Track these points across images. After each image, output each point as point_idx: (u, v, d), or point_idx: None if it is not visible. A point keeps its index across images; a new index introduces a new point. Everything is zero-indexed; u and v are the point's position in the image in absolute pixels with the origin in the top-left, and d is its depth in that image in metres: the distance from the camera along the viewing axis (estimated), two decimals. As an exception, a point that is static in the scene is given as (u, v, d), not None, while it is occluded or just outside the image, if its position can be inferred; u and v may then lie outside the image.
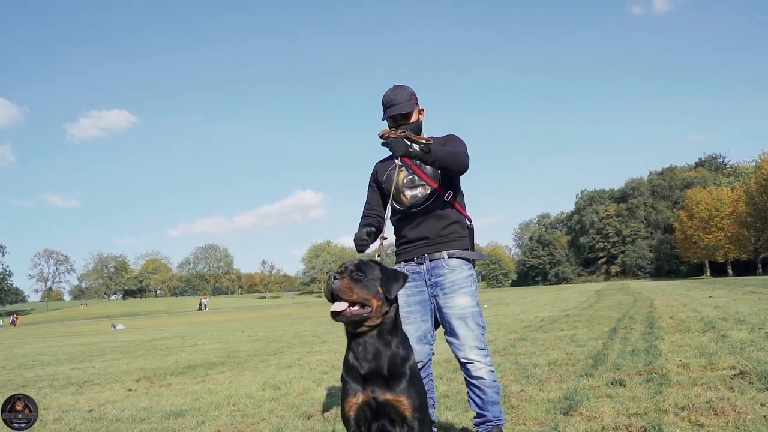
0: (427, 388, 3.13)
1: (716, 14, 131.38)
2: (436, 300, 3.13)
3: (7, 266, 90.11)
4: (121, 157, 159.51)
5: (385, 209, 3.25)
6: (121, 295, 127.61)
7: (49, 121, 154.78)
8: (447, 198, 3.19)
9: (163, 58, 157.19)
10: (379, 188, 3.33)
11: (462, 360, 3.08)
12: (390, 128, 3.20)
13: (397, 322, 2.33)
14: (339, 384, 2.31)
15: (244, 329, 18.81)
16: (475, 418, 3.11)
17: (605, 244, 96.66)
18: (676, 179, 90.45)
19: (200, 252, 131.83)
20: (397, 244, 3.33)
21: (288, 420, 4.32)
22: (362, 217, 3.34)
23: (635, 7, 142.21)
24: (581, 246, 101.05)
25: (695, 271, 76.39)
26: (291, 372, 7.12)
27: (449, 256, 3.15)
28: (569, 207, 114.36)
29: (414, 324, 3.13)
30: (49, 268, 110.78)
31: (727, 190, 69.41)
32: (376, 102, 3.24)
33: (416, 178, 3.21)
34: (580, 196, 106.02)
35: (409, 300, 3.15)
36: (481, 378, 3.03)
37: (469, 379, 3.08)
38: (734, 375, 4.33)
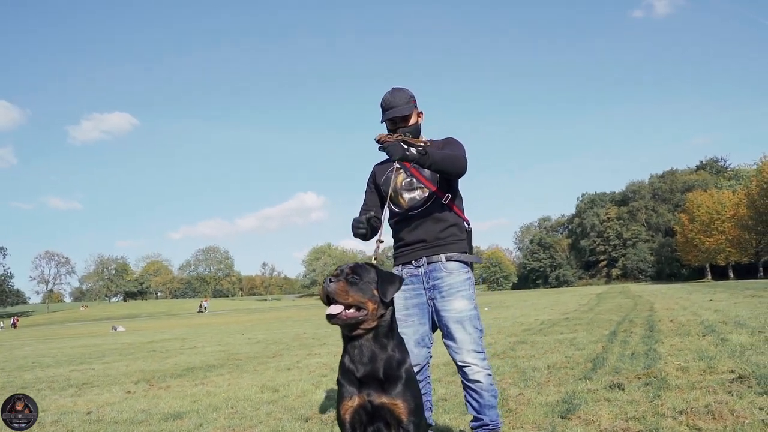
0: (424, 391, 3.13)
1: (717, 18, 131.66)
2: (433, 303, 3.13)
3: (8, 268, 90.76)
4: (123, 159, 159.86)
5: (382, 211, 3.25)
6: (121, 297, 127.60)
7: (50, 124, 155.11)
8: (445, 201, 3.18)
9: (165, 61, 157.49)
10: (377, 190, 3.33)
11: (459, 363, 3.07)
12: (388, 130, 3.21)
13: (393, 325, 2.33)
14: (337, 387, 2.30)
15: (244, 332, 18.81)
16: (472, 421, 3.10)
17: (606, 247, 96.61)
18: (677, 182, 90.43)
19: (201, 254, 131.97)
20: (395, 247, 3.33)
21: (286, 423, 4.32)
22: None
23: (636, 10, 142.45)
24: (582, 249, 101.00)
25: (696, 274, 76.29)
26: (290, 374, 7.11)
27: (447, 259, 3.14)
28: (570, 210, 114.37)
29: (412, 327, 3.13)
30: (50, 270, 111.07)
31: (728, 193, 69.36)
32: (377, 105, 3.25)
33: (414, 180, 3.21)
34: (581, 199, 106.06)
35: (407, 303, 3.15)
36: (478, 381, 3.02)
37: (466, 383, 3.07)
38: (733, 379, 4.31)
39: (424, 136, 3.31)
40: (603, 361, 5.81)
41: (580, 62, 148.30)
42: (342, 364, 2.28)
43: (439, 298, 3.10)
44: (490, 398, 3.04)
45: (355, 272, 2.24)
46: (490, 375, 3.07)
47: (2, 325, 58.97)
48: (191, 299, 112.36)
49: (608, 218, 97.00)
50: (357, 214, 3.30)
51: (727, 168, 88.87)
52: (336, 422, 2.36)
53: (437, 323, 3.16)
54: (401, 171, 3.25)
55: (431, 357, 3.24)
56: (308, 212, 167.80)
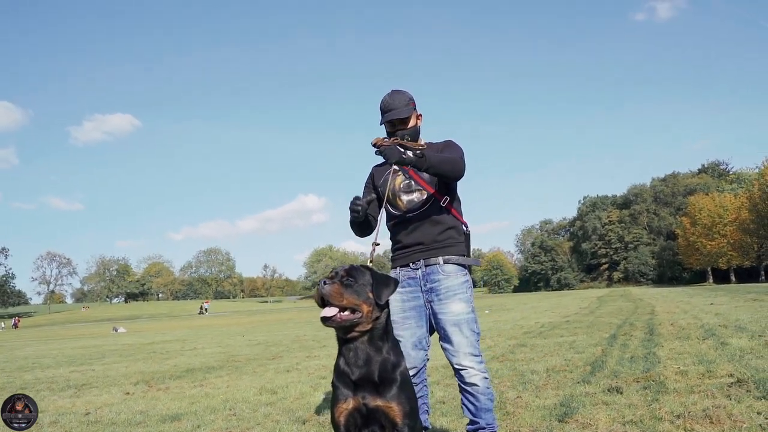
0: (421, 394, 3.13)
1: (719, 21, 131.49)
2: (431, 306, 3.13)
3: (10, 269, 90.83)
4: (125, 160, 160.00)
5: (379, 212, 3.25)
6: (123, 299, 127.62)
7: (52, 124, 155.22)
8: (443, 203, 3.19)
9: (167, 62, 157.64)
10: (376, 191, 3.33)
11: (456, 366, 3.07)
12: (387, 132, 3.21)
13: (388, 327, 2.33)
14: (336, 389, 2.31)
15: (245, 333, 18.80)
16: (468, 425, 3.10)
17: (607, 250, 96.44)
18: (679, 185, 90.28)
19: (202, 256, 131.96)
20: (393, 249, 3.33)
21: (283, 425, 4.32)
22: None
23: (638, 13, 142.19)
24: (583, 252, 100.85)
25: (698, 278, 76.13)
26: (289, 376, 7.11)
27: (445, 262, 3.14)
28: (572, 213, 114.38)
29: (409, 330, 3.13)
30: (51, 271, 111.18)
31: (730, 196, 69.20)
32: (377, 106, 3.25)
33: (413, 183, 3.21)
34: (582, 202, 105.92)
35: (404, 306, 3.15)
36: (474, 385, 3.02)
37: (462, 386, 3.07)
38: (732, 383, 4.31)
39: (423, 138, 3.32)
40: (602, 365, 5.80)
41: (582, 64, 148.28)
42: (337, 366, 2.28)
43: (436, 301, 3.10)
44: (487, 401, 3.04)
45: (350, 274, 2.24)
46: (486, 378, 3.07)
47: (3, 325, 59.03)
48: (192, 301, 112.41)
49: (610, 221, 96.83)
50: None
51: (729, 171, 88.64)
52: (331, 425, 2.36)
53: (434, 326, 3.16)
54: (399, 173, 3.25)
55: (428, 359, 3.24)
56: (309, 214, 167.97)
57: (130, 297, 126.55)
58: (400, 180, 3.24)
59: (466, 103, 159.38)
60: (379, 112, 3.24)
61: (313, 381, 6.52)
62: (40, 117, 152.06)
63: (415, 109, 3.25)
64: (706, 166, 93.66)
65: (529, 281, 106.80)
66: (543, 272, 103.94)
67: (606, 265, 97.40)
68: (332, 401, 2.26)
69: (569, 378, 5.32)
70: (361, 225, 3.25)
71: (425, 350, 3.18)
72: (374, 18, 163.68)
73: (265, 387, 6.27)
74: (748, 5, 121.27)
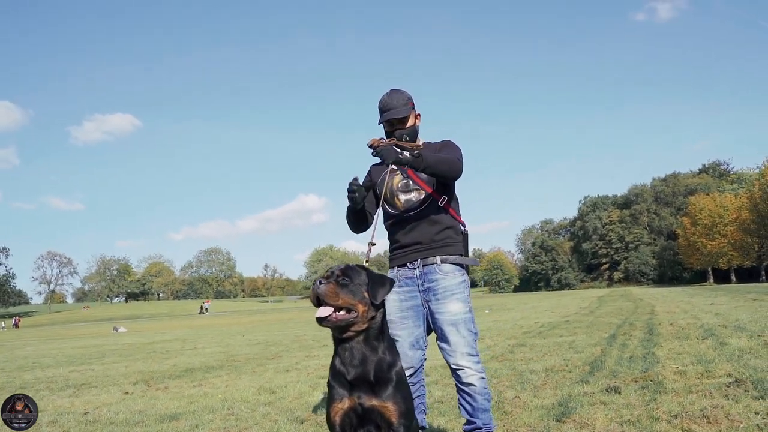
0: (418, 393, 3.13)
1: (720, 21, 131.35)
2: (428, 305, 3.13)
3: (11, 268, 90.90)
4: (125, 160, 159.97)
5: (375, 210, 3.25)
6: (123, 298, 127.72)
7: (53, 124, 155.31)
8: (441, 203, 3.18)
9: (168, 62, 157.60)
10: (373, 191, 3.33)
11: (453, 366, 3.07)
12: (386, 132, 3.21)
13: (383, 327, 2.33)
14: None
15: (245, 333, 18.81)
16: (465, 425, 3.09)
17: (608, 250, 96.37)
18: (680, 186, 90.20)
19: (203, 255, 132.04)
20: (391, 249, 3.33)
21: (281, 424, 4.32)
22: None
23: (638, 13, 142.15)
24: (584, 252, 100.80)
25: (698, 278, 76.09)
26: (288, 376, 7.11)
27: (442, 262, 3.14)
28: (572, 213, 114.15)
29: (407, 329, 3.12)
30: (52, 271, 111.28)
31: (730, 197, 69.15)
32: (377, 106, 3.25)
33: (411, 182, 3.21)
34: (583, 202, 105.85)
35: (401, 305, 3.15)
36: (471, 385, 3.01)
37: (459, 386, 3.07)
38: (730, 383, 4.30)
39: (422, 138, 3.32)
40: (601, 365, 5.80)
41: (582, 64, 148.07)
42: (332, 366, 2.28)
43: (434, 301, 3.10)
44: (484, 401, 3.03)
45: (345, 274, 2.24)
46: (483, 378, 3.06)
47: (4, 325, 59.06)
48: (193, 300, 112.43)
49: (610, 221, 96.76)
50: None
51: (729, 171, 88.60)
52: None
53: (432, 326, 3.15)
54: (397, 172, 3.25)
55: (426, 359, 3.24)
56: (309, 214, 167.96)
57: (131, 297, 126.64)
58: (398, 179, 3.24)
59: (466, 103, 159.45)
60: (378, 112, 3.24)
61: (312, 381, 6.53)
62: (41, 117, 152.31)
63: (413, 108, 3.25)
64: (706, 166, 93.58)
65: (530, 281, 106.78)
66: (543, 272, 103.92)
67: (606, 265, 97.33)
68: (328, 401, 2.26)
69: (568, 378, 5.32)
70: (357, 215, 3.21)
71: (423, 350, 3.17)
72: (374, 18, 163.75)
73: (264, 387, 6.28)
74: (749, 6, 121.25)
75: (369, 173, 3.41)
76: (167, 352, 12.49)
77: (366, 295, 2.23)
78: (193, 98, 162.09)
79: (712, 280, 71.32)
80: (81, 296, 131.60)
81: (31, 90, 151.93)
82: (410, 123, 3.22)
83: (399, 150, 2.90)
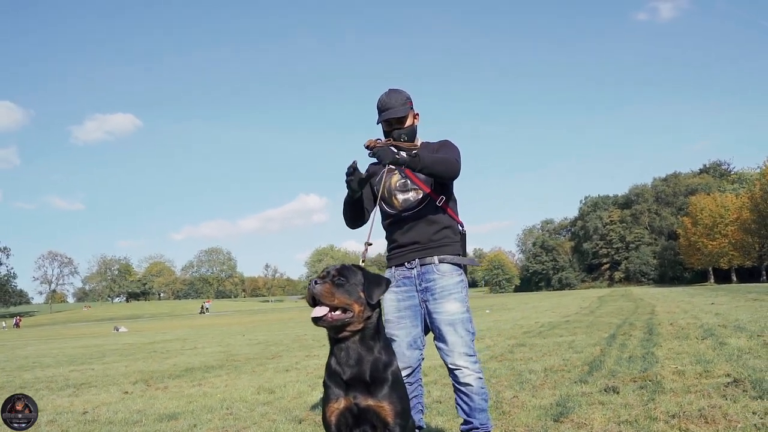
0: (415, 393, 3.13)
1: (721, 21, 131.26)
2: (426, 305, 3.12)
3: (12, 268, 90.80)
4: (126, 160, 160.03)
5: (373, 208, 3.25)
6: (124, 298, 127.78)
7: (53, 124, 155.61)
8: (439, 203, 3.18)
9: (168, 62, 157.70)
10: (371, 190, 3.33)
11: (450, 366, 3.07)
12: (384, 132, 3.21)
13: (379, 327, 2.33)
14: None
15: (246, 333, 18.83)
16: (462, 424, 3.09)
17: (609, 250, 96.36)
18: (681, 185, 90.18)
19: (204, 255, 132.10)
20: (388, 249, 3.32)
21: (279, 424, 4.32)
22: None
23: (640, 13, 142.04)
24: (585, 252, 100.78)
25: (699, 277, 76.05)
26: (287, 376, 7.12)
27: (440, 262, 3.13)
28: (573, 213, 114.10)
29: (404, 329, 3.12)
30: (53, 271, 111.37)
31: (731, 196, 69.10)
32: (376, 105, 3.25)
33: (409, 182, 3.21)
34: (583, 202, 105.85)
35: (399, 305, 3.15)
36: (468, 385, 3.01)
37: (456, 386, 3.06)
38: (728, 383, 4.30)
39: (421, 138, 3.32)
40: (600, 365, 5.80)
41: (582, 64, 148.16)
42: (328, 366, 2.29)
43: (431, 301, 3.10)
44: (481, 401, 3.03)
45: (341, 274, 2.24)
46: (481, 378, 3.06)
47: (5, 325, 59.11)
48: (194, 300, 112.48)
49: (611, 221, 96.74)
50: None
51: (730, 171, 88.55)
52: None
53: (429, 325, 3.15)
54: (395, 172, 3.25)
55: (423, 359, 3.24)
56: (310, 214, 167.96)
57: (132, 296, 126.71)
58: (395, 179, 3.24)
59: (466, 103, 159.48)
60: (377, 111, 3.24)
61: (312, 380, 6.53)
62: (42, 117, 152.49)
63: (412, 108, 3.25)
64: (707, 166, 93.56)
65: (531, 281, 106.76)
66: (544, 272, 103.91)
67: (607, 265, 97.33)
68: (323, 401, 2.27)
69: (567, 378, 5.32)
70: (354, 208, 3.18)
71: (420, 350, 3.17)
72: (374, 18, 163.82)
73: (264, 386, 6.28)
74: (749, 6, 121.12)
75: (367, 171, 3.41)
76: (167, 352, 12.50)
77: (362, 294, 2.23)
78: (193, 98, 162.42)
79: (712, 280, 71.28)
80: (82, 296, 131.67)
81: (32, 90, 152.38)
82: (408, 123, 3.22)
83: (396, 150, 2.90)
